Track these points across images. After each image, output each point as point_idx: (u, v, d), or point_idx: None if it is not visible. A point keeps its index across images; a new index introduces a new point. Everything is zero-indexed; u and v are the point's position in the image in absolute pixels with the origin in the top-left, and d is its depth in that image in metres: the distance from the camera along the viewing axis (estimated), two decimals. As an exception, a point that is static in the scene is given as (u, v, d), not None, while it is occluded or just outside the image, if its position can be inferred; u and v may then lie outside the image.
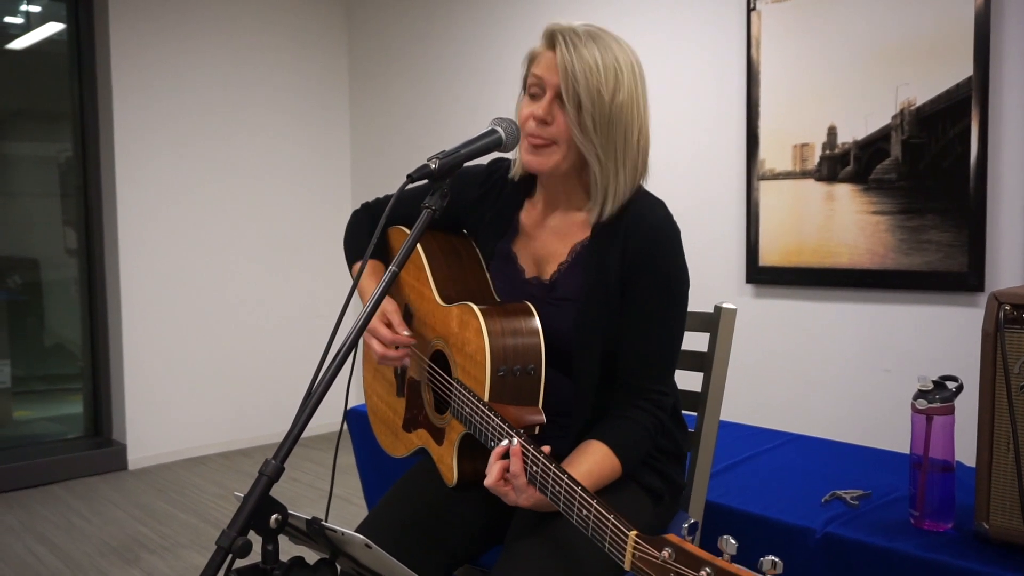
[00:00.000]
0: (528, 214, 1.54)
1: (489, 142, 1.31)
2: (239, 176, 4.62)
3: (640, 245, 1.38)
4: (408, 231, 1.58)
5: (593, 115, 1.34)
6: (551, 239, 1.49)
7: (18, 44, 4.33)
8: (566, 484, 1.14)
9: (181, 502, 3.76)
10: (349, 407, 2.47)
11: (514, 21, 4.03)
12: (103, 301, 4.36)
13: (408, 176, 1.18)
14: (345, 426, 1.93)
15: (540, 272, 1.49)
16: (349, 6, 5.01)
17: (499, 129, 1.32)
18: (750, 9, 3.15)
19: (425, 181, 1.25)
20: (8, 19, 4.34)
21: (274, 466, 0.97)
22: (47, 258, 4.40)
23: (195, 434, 4.46)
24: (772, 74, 3.12)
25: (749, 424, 2.41)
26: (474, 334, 1.36)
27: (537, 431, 1.33)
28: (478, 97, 4.25)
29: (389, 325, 1.52)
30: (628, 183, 1.40)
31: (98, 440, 4.37)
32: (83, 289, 4.38)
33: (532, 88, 1.40)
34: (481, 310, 1.37)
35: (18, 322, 4.39)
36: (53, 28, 4.33)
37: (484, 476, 1.31)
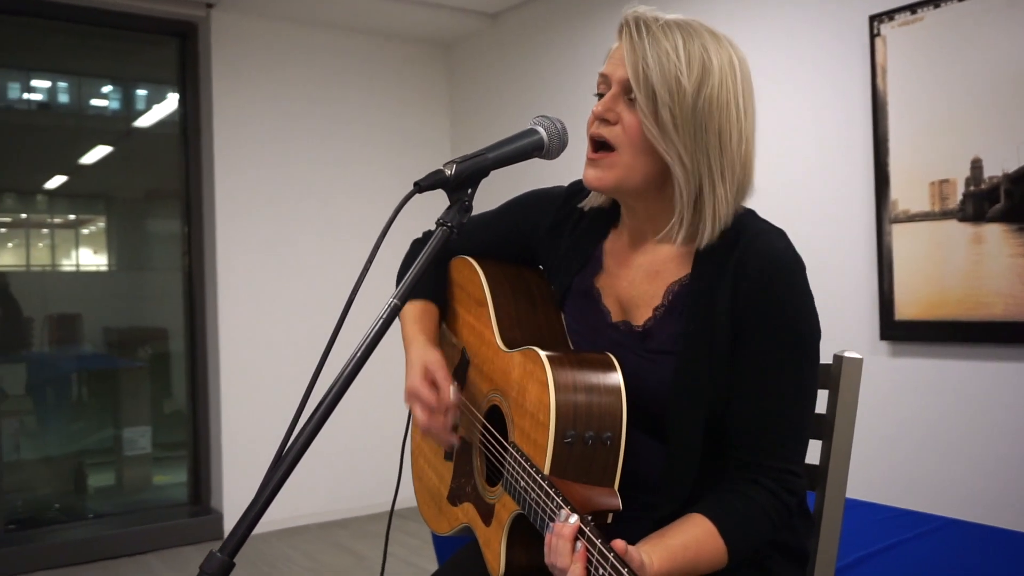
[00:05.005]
0: (613, 246, 1.26)
1: (526, 144, 1.05)
2: (338, 248, 4.54)
3: (756, 282, 1.10)
4: (474, 263, 1.36)
5: (672, 109, 1.08)
6: (641, 278, 1.21)
7: (146, 126, 4.48)
8: None
9: (271, 575, 3.59)
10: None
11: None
12: (204, 371, 4.33)
13: (416, 184, 0.94)
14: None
15: (628, 317, 1.21)
16: (450, 65, 4.94)
17: (540, 129, 1.06)
18: (873, 35, 2.83)
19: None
20: (144, 106, 4.52)
21: (220, 561, 0.74)
22: (174, 329, 4.46)
23: (292, 504, 4.32)
24: (901, 104, 2.77)
25: (885, 504, 2.02)
26: (537, 386, 1.09)
27: (610, 519, 1.03)
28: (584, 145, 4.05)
29: (434, 384, 1.26)
30: (730, 198, 1.13)
31: (197, 508, 4.30)
32: (188, 360, 4.38)
33: (599, 88, 1.16)
34: (549, 357, 1.10)
35: (156, 390, 4.51)
36: (173, 106, 4.45)
37: (539, 570, 1.03)
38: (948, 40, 2.65)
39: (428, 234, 1.48)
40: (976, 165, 2.60)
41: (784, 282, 1.10)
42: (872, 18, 2.83)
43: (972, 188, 2.61)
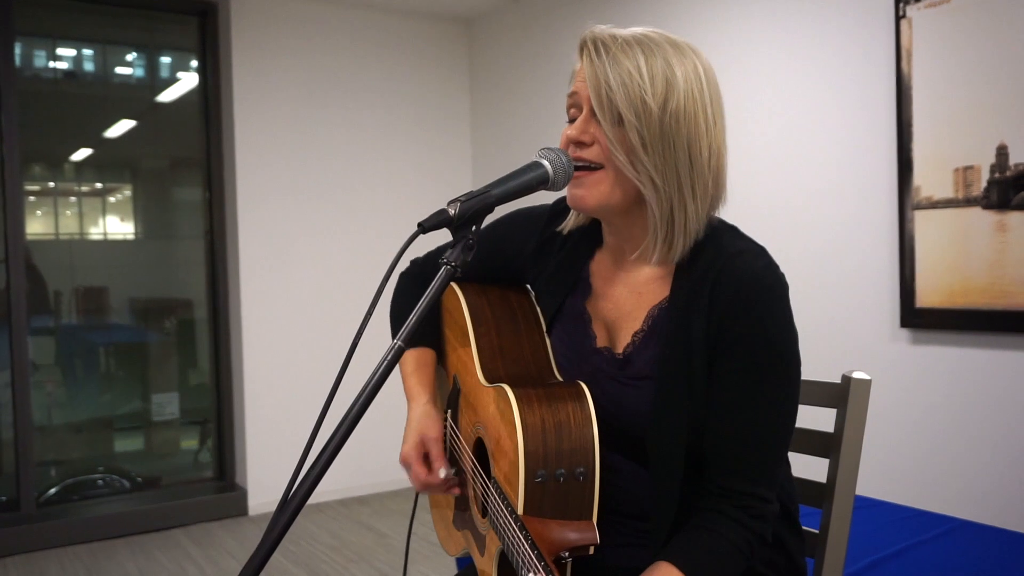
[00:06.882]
0: (598, 267, 1.24)
1: (531, 178, 1.03)
2: (357, 222, 4.57)
3: (733, 305, 1.07)
4: (457, 290, 1.34)
5: (640, 131, 1.05)
6: (624, 299, 1.19)
7: (170, 97, 4.49)
8: None
9: (293, 552, 3.65)
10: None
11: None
12: (227, 345, 4.38)
13: (419, 225, 0.94)
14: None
15: (612, 342, 1.19)
16: (471, 42, 4.90)
17: (545, 162, 1.05)
18: (899, 17, 2.77)
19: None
20: (168, 76, 4.53)
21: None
22: (199, 299, 4.51)
23: (314, 480, 4.39)
24: (926, 89, 2.71)
25: (900, 504, 2.01)
26: (508, 426, 1.09)
27: (592, 551, 1.03)
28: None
29: (426, 459, 1.29)
30: (701, 213, 1.11)
31: (222, 484, 4.37)
32: (210, 333, 4.43)
33: (570, 111, 1.14)
34: (516, 395, 1.08)
35: (183, 362, 4.58)
36: (197, 77, 4.46)
37: None
38: (976, 23, 2.58)
39: (416, 264, 1.47)
40: (1001, 151, 2.55)
41: (762, 304, 1.07)
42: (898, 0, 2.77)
43: (997, 175, 2.56)
